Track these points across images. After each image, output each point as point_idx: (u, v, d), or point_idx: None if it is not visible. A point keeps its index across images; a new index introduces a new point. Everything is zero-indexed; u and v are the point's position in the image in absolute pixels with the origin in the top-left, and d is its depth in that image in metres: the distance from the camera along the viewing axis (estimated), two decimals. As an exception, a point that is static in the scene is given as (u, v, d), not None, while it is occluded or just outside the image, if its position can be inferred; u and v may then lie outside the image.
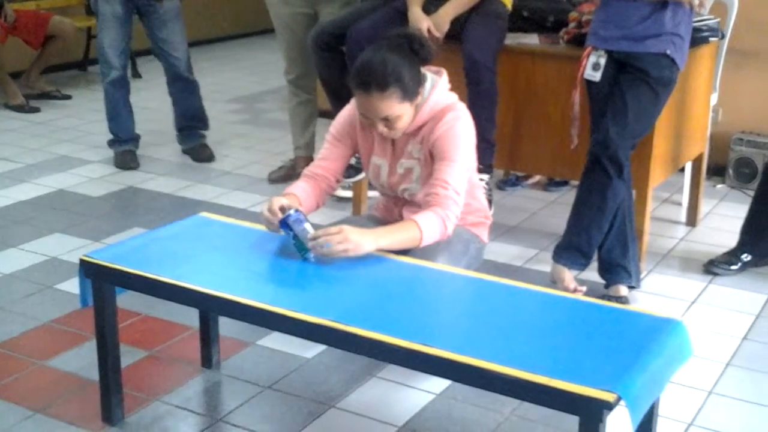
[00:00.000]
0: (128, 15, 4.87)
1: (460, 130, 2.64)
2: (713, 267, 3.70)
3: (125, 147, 5.04)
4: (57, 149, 5.28)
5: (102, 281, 2.44)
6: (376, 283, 2.33)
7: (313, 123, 4.77)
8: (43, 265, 3.67)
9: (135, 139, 5.12)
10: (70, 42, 6.63)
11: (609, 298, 3.29)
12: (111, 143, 5.08)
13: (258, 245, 2.55)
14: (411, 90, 2.55)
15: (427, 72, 2.69)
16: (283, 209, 2.48)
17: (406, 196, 2.76)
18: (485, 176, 3.66)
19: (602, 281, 3.43)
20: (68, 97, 6.52)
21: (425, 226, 2.52)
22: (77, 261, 2.49)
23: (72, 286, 3.37)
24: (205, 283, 2.28)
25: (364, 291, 2.29)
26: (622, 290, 3.39)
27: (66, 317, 3.21)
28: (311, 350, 2.98)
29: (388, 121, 2.57)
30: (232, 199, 4.50)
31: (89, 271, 2.44)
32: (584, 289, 3.31)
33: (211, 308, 2.62)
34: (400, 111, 2.55)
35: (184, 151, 5.19)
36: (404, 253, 2.53)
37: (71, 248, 3.80)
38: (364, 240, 2.41)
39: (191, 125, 5.16)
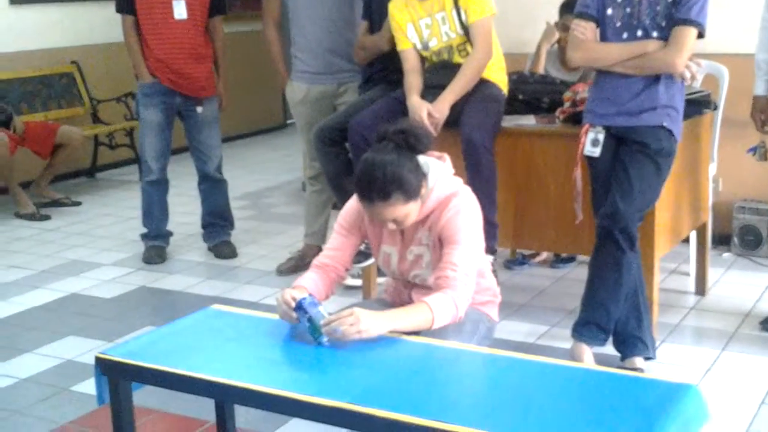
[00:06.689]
0: (168, 122, 5.05)
1: (466, 214, 2.66)
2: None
3: (153, 242, 5.19)
4: (68, 254, 5.35)
5: (118, 377, 2.45)
6: (391, 364, 2.34)
7: (326, 212, 4.86)
8: (58, 368, 3.68)
9: (164, 236, 5.26)
10: (78, 150, 6.75)
11: (625, 370, 3.27)
12: (142, 237, 5.24)
13: (270, 333, 2.57)
14: (414, 189, 2.56)
15: (430, 159, 2.70)
16: (295, 300, 2.50)
17: (417, 281, 2.78)
18: (489, 257, 3.68)
19: (617, 353, 3.42)
20: (78, 204, 6.61)
21: (436, 308, 2.52)
22: (92, 362, 2.50)
23: (87, 387, 3.38)
24: (219, 373, 2.29)
25: (379, 372, 2.30)
26: (638, 362, 3.38)
27: (83, 419, 3.21)
28: (328, 437, 2.96)
29: (396, 221, 2.61)
30: (242, 293, 4.53)
31: (105, 368, 2.46)
32: None
33: (226, 398, 2.61)
34: (406, 211, 2.57)
35: (209, 249, 5.28)
36: (414, 334, 2.54)
37: (85, 350, 3.82)
38: (376, 322, 2.43)
39: (216, 222, 5.27)
